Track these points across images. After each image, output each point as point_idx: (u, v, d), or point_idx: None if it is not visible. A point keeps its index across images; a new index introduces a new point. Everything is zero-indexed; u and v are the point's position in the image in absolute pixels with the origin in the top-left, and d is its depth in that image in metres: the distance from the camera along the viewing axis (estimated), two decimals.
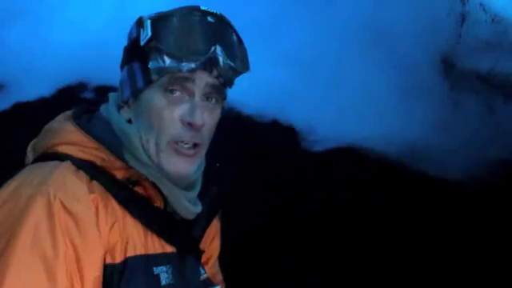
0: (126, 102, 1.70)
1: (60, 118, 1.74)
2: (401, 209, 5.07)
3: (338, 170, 5.38)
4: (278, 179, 5.26)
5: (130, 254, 1.55)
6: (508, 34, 4.95)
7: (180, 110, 1.63)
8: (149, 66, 1.61)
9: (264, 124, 5.35)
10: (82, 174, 1.57)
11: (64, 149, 1.63)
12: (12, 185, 1.53)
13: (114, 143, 1.65)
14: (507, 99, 5.13)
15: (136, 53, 1.66)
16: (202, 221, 1.82)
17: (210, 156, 1.80)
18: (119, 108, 1.72)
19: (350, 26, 5.32)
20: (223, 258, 2.03)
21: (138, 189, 1.66)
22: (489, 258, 4.82)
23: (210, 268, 1.92)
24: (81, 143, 1.63)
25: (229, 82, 1.71)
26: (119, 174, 1.63)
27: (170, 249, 1.66)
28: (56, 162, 1.58)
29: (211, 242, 1.93)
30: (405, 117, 5.26)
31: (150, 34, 1.61)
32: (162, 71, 1.61)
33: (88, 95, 5.18)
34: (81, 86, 5.14)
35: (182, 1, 1.73)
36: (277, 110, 5.38)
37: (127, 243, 1.56)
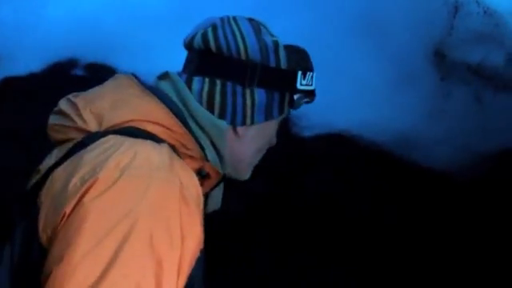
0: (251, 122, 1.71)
1: (125, 85, 1.62)
2: (390, 196, 5.10)
3: (327, 156, 5.40)
4: (267, 164, 5.26)
5: (202, 245, 1.50)
6: (499, 26, 4.96)
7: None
8: (292, 108, 1.72)
9: None
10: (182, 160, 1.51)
11: (149, 127, 1.52)
12: (115, 161, 1.37)
13: (196, 132, 1.62)
14: (497, 91, 5.16)
15: (283, 86, 1.71)
16: None
17: None
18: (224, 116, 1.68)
19: (345, 16, 5.32)
20: (210, 244, 2.03)
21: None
22: (476, 248, 4.86)
23: None
24: (168, 125, 1.54)
25: None
26: (191, 164, 1.56)
27: None
28: (153, 143, 1.46)
29: None
30: (395, 106, 5.27)
31: (313, 86, 1.77)
32: (293, 107, 1.73)
33: (78, 72, 5.15)
34: (72, 63, 5.11)
35: None
36: None
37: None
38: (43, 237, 1.36)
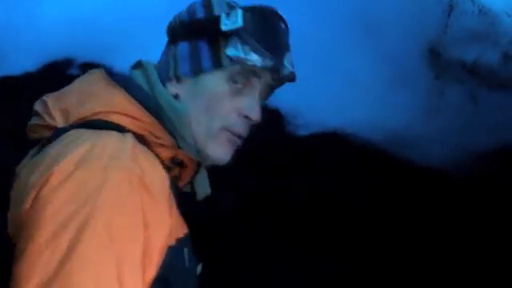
0: (178, 77, 1.67)
1: (95, 79, 1.65)
2: (384, 195, 5.10)
3: (321, 154, 5.40)
4: (261, 162, 5.27)
5: (178, 235, 1.53)
6: (495, 25, 4.97)
7: (240, 102, 1.67)
8: (226, 52, 1.61)
9: None
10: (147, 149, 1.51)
11: (114, 118, 1.53)
12: (73, 154, 1.38)
13: (163, 118, 1.62)
14: (492, 90, 5.16)
15: (207, 33, 1.65)
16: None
17: None
18: (164, 80, 1.68)
19: (339, 14, 5.31)
20: (203, 240, 2.03)
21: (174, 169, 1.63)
22: (472, 245, 4.87)
23: None
24: (134, 115, 1.56)
25: (278, 87, 1.80)
26: (163, 153, 1.59)
27: (186, 229, 1.65)
28: (116, 133, 1.48)
29: None
30: (390, 104, 5.27)
31: (241, 23, 1.62)
32: (238, 61, 1.62)
33: (74, 72, 5.14)
34: (67, 63, 5.11)
35: None
36: None
37: (176, 224, 1.54)
38: (11, 233, 1.41)
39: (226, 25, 1.63)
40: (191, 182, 1.77)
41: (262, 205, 5.11)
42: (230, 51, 1.61)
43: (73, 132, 1.48)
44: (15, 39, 5.38)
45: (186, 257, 1.58)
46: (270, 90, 1.79)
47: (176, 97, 1.66)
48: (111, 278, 1.28)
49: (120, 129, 1.51)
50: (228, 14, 1.64)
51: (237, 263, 4.77)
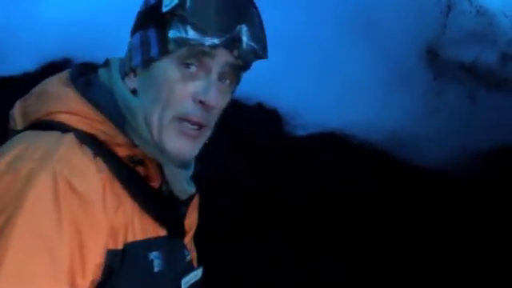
0: (134, 70, 1.57)
1: (54, 81, 1.60)
2: (383, 195, 5.10)
3: (320, 154, 5.40)
4: (260, 162, 5.27)
5: (130, 239, 1.47)
6: (492, 25, 4.97)
7: (194, 87, 1.51)
8: (169, 35, 1.49)
9: (249, 106, 5.35)
10: (86, 149, 1.45)
11: (64, 118, 1.50)
12: (9, 155, 1.40)
13: (117, 116, 1.53)
14: (490, 90, 5.17)
15: (154, 19, 1.54)
16: (187, 199, 1.73)
17: None
18: (123, 76, 1.59)
19: (337, 15, 5.31)
20: (204, 241, 2.02)
21: (139, 168, 1.56)
22: (469, 244, 4.88)
23: (188, 243, 1.83)
24: (84, 114, 1.51)
25: (247, 66, 1.60)
26: (121, 152, 1.53)
27: (162, 232, 1.58)
28: (57, 134, 1.45)
29: (189, 216, 1.82)
30: (388, 105, 5.27)
31: (176, 1, 1.47)
32: (182, 42, 1.49)
33: None
34: (66, 63, 5.10)
35: None
36: (262, 93, 5.37)
37: (127, 228, 1.47)
38: None
39: (165, 6, 1.50)
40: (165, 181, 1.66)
41: (261, 204, 5.11)
42: (172, 33, 1.49)
43: (21, 134, 1.49)
44: (14, 40, 5.38)
45: (158, 261, 1.53)
46: (237, 70, 1.59)
47: (134, 91, 1.57)
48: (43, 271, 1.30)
49: (66, 129, 1.47)
50: None
51: (237, 263, 4.77)
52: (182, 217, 1.73)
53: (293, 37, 5.27)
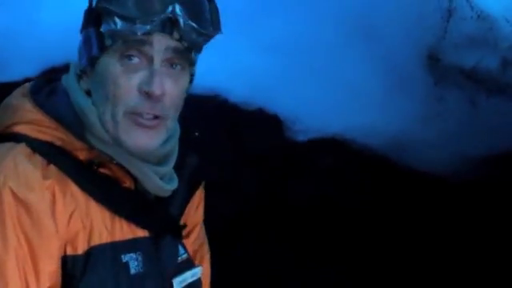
0: (85, 72, 1.53)
1: (17, 93, 1.60)
2: (383, 201, 5.10)
3: (321, 160, 5.40)
4: (261, 167, 5.26)
5: (95, 243, 1.44)
6: (493, 30, 4.97)
7: (137, 78, 1.45)
8: (101, 30, 1.44)
9: (249, 112, 5.35)
10: (37, 157, 1.44)
11: (20, 129, 1.48)
12: None
13: (73, 121, 1.50)
14: (490, 95, 5.16)
15: (91, 17, 1.50)
16: (182, 195, 1.70)
17: (193, 144, 1.73)
18: (79, 78, 1.56)
19: (338, 20, 5.31)
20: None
21: (104, 170, 1.52)
22: (471, 250, 4.87)
23: (193, 241, 1.81)
24: (38, 122, 1.49)
25: (195, 47, 1.51)
26: (81, 156, 1.49)
27: (141, 233, 1.54)
28: (10, 144, 1.44)
29: (194, 213, 1.80)
30: (389, 110, 5.27)
31: None
32: (114, 35, 1.43)
33: None
34: (67, 68, 5.10)
35: None
36: (263, 98, 5.37)
37: (91, 231, 1.44)
38: None
39: (94, 1, 1.46)
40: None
41: (262, 209, 5.11)
42: (104, 28, 1.43)
43: None
44: (15, 45, 5.39)
45: (135, 262, 1.50)
46: (185, 52, 1.50)
47: (88, 92, 1.53)
48: None
49: (20, 139, 1.46)
50: None
51: (237, 266, 4.76)
52: (174, 214, 1.68)
53: (293, 42, 5.27)
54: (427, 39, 5.26)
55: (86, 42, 1.51)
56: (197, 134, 1.64)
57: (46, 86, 1.59)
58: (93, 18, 1.48)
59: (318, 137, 5.34)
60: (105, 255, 1.44)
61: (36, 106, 1.51)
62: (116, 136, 1.47)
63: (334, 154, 5.35)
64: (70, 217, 1.42)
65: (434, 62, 5.29)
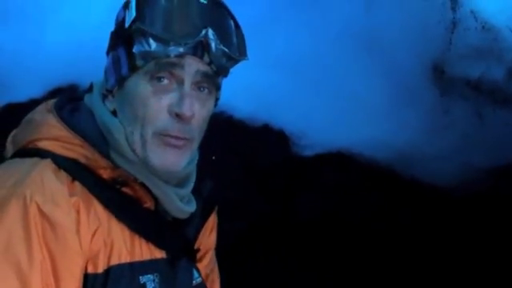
0: (111, 91, 1.55)
1: (41, 108, 1.59)
2: (391, 214, 5.09)
3: (328, 174, 5.39)
4: (268, 183, 5.26)
5: (114, 262, 1.44)
6: (498, 41, 4.96)
7: (167, 100, 1.47)
8: (133, 51, 1.45)
9: (255, 128, 5.35)
10: (63, 173, 1.44)
11: (45, 144, 1.49)
12: None
13: (98, 139, 1.52)
14: (496, 106, 5.15)
15: (121, 37, 1.51)
16: (197, 218, 1.71)
17: (199, 159, 1.71)
18: (104, 98, 1.57)
19: (344, 33, 5.32)
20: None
21: (126, 189, 1.52)
22: (480, 262, 4.85)
23: (206, 266, 1.81)
24: (64, 139, 1.50)
25: (223, 71, 1.54)
26: (105, 174, 1.50)
27: (159, 254, 1.55)
28: (35, 160, 1.45)
29: (208, 237, 1.81)
30: (395, 123, 5.26)
31: (134, 14, 1.44)
32: (147, 56, 1.45)
33: None
34: (72, 88, 5.12)
35: None
36: (268, 114, 5.38)
37: (111, 250, 1.45)
38: None
39: (127, 21, 1.46)
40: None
41: (269, 224, 5.10)
42: (137, 48, 1.45)
43: (3, 163, 1.50)
44: (21, 66, 5.41)
45: (152, 284, 1.50)
46: (212, 77, 1.53)
47: (114, 112, 1.54)
48: None
49: (45, 154, 1.47)
50: (128, 9, 1.48)
51: (245, 282, 4.75)
52: (191, 238, 1.70)
53: (298, 57, 5.28)
54: (432, 51, 5.26)
55: (115, 62, 1.52)
56: (213, 158, 1.64)
57: (68, 104, 1.60)
58: (123, 38, 1.50)
59: (324, 151, 5.34)
60: (123, 275, 1.45)
61: (61, 122, 1.52)
62: (144, 156, 1.49)
63: (341, 168, 5.35)
64: (93, 235, 1.42)
65: (439, 73, 5.29)
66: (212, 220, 1.83)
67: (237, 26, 1.56)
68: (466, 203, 5.01)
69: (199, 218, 1.73)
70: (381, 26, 5.29)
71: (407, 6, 5.15)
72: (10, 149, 1.56)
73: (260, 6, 5.38)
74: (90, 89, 1.64)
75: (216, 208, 1.84)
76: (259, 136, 5.34)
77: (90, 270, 1.40)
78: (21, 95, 5.19)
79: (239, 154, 5.29)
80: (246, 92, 5.00)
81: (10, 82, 5.38)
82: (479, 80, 5.14)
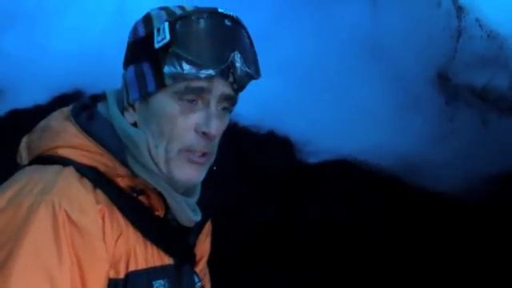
0: (132, 105, 1.62)
1: (58, 115, 1.66)
2: (396, 222, 5.08)
3: (333, 182, 5.39)
4: (273, 191, 5.26)
5: (132, 268, 1.51)
6: (503, 49, 4.95)
7: (194, 119, 1.57)
8: (164, 71, 1.52)
9: (260, 135, 5.36)
10: (86, 181, 1.49)
11: (65, 152, 1.54)
12: (10, 190, 1.43)
13: (118, 148, 1.58)
14: (502, 114, 5.14)
15: (146, 53, 1.57)
16: (196, 226, 1.78)
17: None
18: (122, 109, 1.64)
19: (349, 40, 5.32)
20: (218, 271, 2.03)
21: (142, 198, 1.60)
22: (485, 271, 4.84)
23: (200, 271, 1.88)
24: (84, 147, 1.55)
25: (242, 88, 1.66)
26: (122, 182, 1.57)
27: (168, 260, 1.63)
28: (58, 167, 1.50)
29: (203, 243, 1.89)
30: (401, 130, 5.26)
31: (168, 37, 1.51)
32: (178, 77, 1.53)
33: None
34: (77, 94, 5.12)
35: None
36: (273, 121, 5.38)
37: (129, 257, 1.51)
38: None
39: (158, 42, 1.55)
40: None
41: (274, 232, 5.10)
42: (168, 69, 1.52)
43: (22, 170, 1.55)
44: (25, 72, 5.41)
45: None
46: (233, 95, 1.66)
47: (134, 124, 1.61)
48: None
49: (66, 162, 1.52)
50: (159, 30, 1.55)
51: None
52: (191, 244, 1.78)
53: (302, 64, 5.28)
54: (437, 59, 5.25)
55: (140, 76, 1.59)
56: (214, 168, 1.72)
57: (83, 112, 1.66)
58: (150, 56, 1.56)
59: (329, 158, 5.33)
60: (140, 281, 1.52)
61: (80, 130, 1.58)
62: (167, 170, 1.58)
63: (346, 175, 5.34)
64: (116, 241, 1.49)
65: (444, 81, 5.28)
66: (207, 227, 1.92)
67: (252, 44, 1.66)
68: (471, 210, 5.00)
69: (198, 227, 1.81)
70: (386, 33, 5.28)
71: (413, 14, 5.15)
72: (24, 154, 1.61)
73: (265, 13, 5.38)
74: (103, 97, 1.71)
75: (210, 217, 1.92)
76: (264, 143, 5.34)
77: (112, 275, 1.47)
78: (26, 101, 5.20)
79: (244, 161, 5.29)
80: (250, 99, 4.98)
81: (15, 88, 5.38)
82: (484, 88, 5.13)
